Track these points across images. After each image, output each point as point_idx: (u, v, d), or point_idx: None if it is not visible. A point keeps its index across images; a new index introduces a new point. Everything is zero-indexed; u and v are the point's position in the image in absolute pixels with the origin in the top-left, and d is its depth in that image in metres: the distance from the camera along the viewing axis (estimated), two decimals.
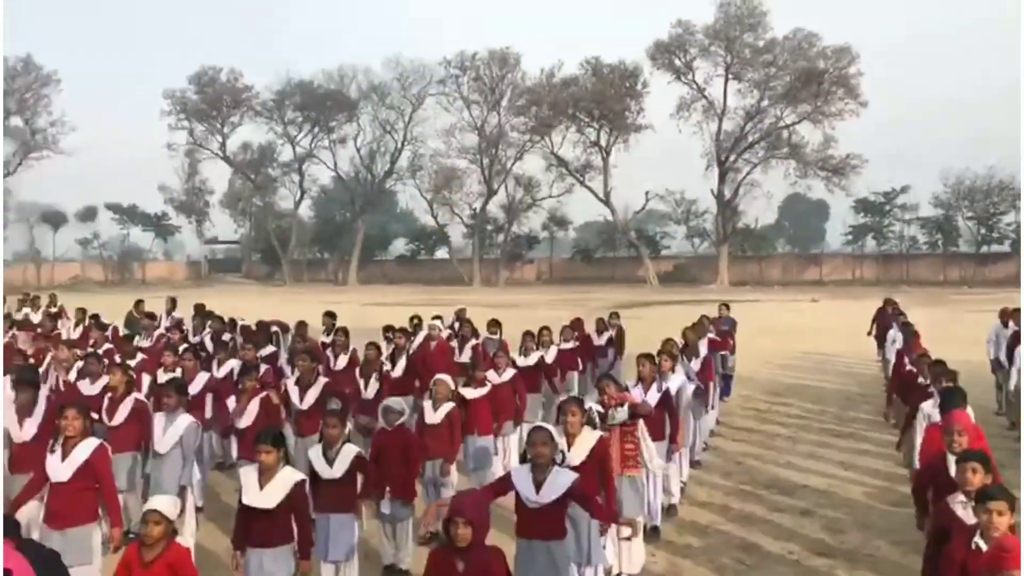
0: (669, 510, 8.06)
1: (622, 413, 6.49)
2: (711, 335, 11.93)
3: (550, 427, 5.15)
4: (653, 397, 7.49)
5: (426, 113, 64.96)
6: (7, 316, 16.84)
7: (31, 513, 6.85)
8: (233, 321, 14.48)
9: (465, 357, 11.33)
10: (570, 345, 12.15)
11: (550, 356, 10.94)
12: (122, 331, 13.97)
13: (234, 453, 9.33)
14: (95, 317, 14.46)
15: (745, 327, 16.89)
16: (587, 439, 5.68)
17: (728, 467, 10.05)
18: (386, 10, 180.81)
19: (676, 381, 8.24)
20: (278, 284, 63.76)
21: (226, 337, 12.77)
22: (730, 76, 56.45)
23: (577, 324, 13.08)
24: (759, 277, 59.44)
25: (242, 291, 51.84)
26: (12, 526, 3.80)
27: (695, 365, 10.00)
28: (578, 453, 5.59)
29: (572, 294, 46.23)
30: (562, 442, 5.46)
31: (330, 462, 5.88)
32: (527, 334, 10.97)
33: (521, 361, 10.36)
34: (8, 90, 57.30)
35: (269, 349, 11.74)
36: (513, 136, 62.32)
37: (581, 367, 12.50)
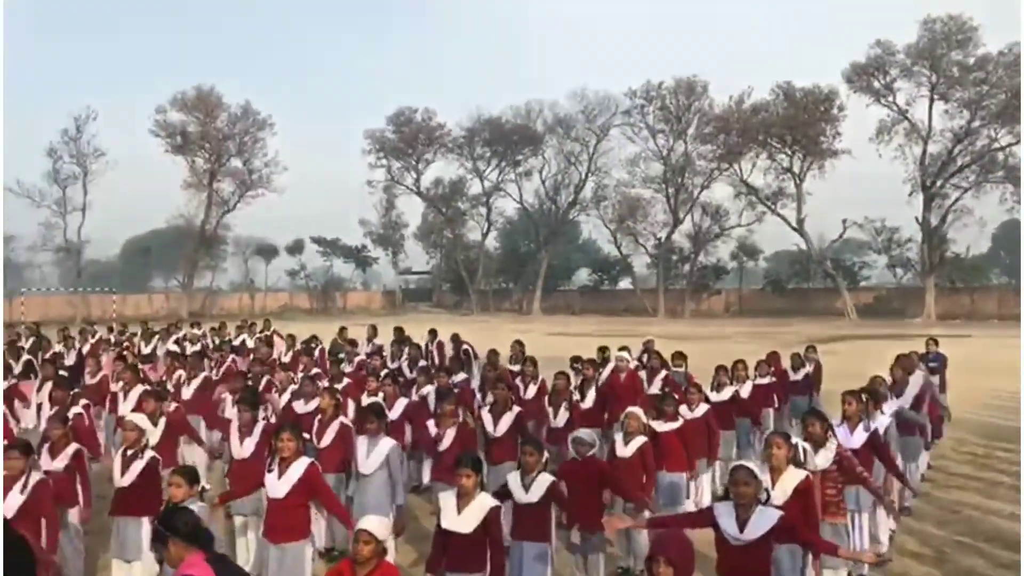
0: None
1: (824, 458, 6.15)
2: (918, 370, 11.08)
3: (752, 465, 4.97)
4: (860, 437, 7.07)
5: (610, 144, 65.35)
6: (227, 341, 18.38)
7: (250, 522, 7.43)
8: (434, 331, 15.42)
9: (654, 390, 11.17)
10: (766, 380, 11.69)
11: (745, 391, 10.57)
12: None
13: (425, 477, 9.68)
14: (307, 342, 15.50)
15: (956, 364, 15.59)
16: (791, 477, 5.43)
17: (943, 516, 9.27)
18: (572, 45, 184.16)
19: (884, 421, 7.74)
20: (466, 313, 65.71)
21: (422, 363, 13.29)
22: (936, 96, 52.81)
23: (773, 358, 12.61)
24: (971, 311, 54.78)
25: (433, 319, 53.70)
26: (208, 539, 3.88)
27: (905, 401, 9.36)
28: (782, 491, 5.36)
29: (763, 327, 44.63)
30: (766, 478, 5.26)
31: (526, 488, 5.94)
32: (720, 368, 10.65)
33: (714, 396, 10.07)
34: (229, 134, 62.75)
35: (461, 376, 12.14)
36: (700, 164, 61.33)
37: (777, 404, 12.02)
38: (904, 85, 53.79)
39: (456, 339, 15.73)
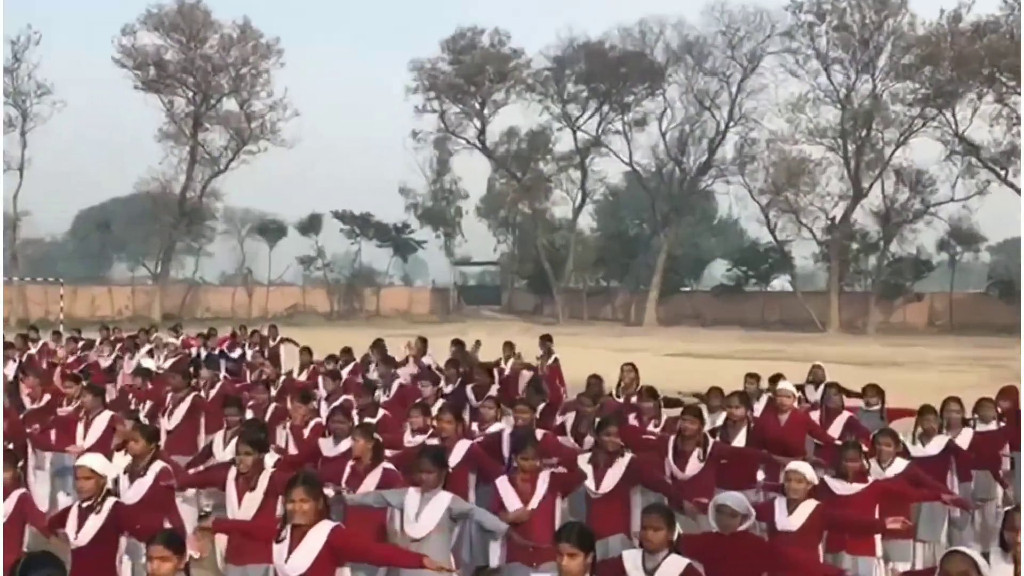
0: None
1: None
2: None
3: (973, 552, 4.90)
4: None
5: (763, 79, 64.98)
6: (218, 355, 18.86)
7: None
8: (509, 344, 15.69)
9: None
10: (992, 427, 11.43)
11: (963, 440, 10.38)
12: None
13: (493, 557, 9.77)
14: (335, 358, 15.79)
15: None
16: None
17: None
18: None
19: None
20: (548, 321, 65.23)
21: (494, 391, 13.39)
22: None
23: (1007, 394, 12.28)
24: None
25: (501, 330, 53.42)
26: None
27: None
28: None
29: (985, 348, 43.45)
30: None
31: (650, 574, 5.97)
32: (926, 409, 10.50)
33: (916, 449, 9.97)
34: (221, 65, 63.41)
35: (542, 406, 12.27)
36: (895, 110, 60.38)
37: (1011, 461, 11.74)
38: None
39: (546, 340, 15.96)
